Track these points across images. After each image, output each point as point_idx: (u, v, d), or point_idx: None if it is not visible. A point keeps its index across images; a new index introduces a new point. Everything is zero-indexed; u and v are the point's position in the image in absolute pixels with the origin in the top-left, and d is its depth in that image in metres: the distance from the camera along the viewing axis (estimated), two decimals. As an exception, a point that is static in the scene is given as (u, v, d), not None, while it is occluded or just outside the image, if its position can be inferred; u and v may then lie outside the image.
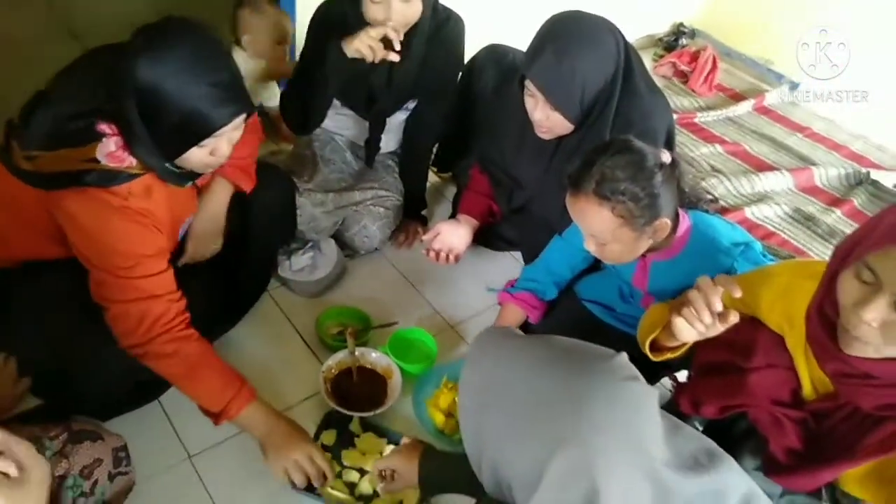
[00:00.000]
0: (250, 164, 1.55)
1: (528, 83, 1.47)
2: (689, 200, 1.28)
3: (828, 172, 2.62)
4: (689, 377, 1.23)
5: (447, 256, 1.78)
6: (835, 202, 2.51)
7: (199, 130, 1.16)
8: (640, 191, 1.16)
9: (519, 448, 0.76)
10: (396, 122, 1.93)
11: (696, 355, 1.19)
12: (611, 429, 0.74)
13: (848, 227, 2.38)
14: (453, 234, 1.79)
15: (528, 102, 1.49)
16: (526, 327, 1.63)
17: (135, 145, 1.17)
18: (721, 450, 0.81)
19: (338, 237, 1.93)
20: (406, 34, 1.60)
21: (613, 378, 0.78)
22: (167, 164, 1.22)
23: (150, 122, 1.14)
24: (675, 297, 1.19)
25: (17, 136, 1.20)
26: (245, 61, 2.09)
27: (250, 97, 1.24)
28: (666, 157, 1.20)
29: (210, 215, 1.48)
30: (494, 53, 1.94)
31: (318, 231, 1.88)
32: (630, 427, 0.75)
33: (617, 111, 1.49)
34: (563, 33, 1.44)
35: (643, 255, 1.31)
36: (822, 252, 2.27)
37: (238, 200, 1.59)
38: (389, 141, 1.97)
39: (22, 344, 1.30)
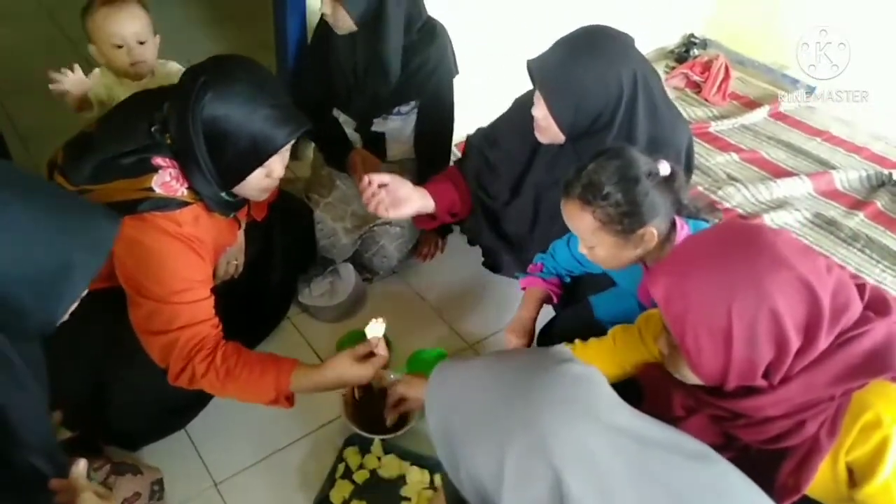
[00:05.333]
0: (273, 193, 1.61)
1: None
2: (689, 212, 1.28)
3: (848, 175, 2.58)
4: None
5: (383, 207, 1.61)
6: (857, 205, 2.46)
7: (264, 150, 1.28)
8: (622, 197, 1.18)
9: (481, 456, 0.76)
10: (396, 130, 1.97)
11: None
12: (554, 407, 0.73)
13: (872, 230, 2.33)
14: (408, 192, 1.64)
15: (535, 95, 1.51)
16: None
17: (194, 177, 1.27)
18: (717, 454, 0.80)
19: (356, 259, 1.97)
20: (371, 49, 1.75)
21: (550, 364, 0.79)
22: (222, 194, 1.32)
23: (216, 152, 1.25)
24: None
25: (65, 173, 1.28)
26: (107, 78, 1.68)
27: (305, 117, 1.34)
28: (664, 168, 1.22)
29: None
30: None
31: (338, 247, 1.91)
32: (575, 401, 0.74)
33: (646, 135, 1.50)
34: (583, 41, 1.47)
35: (646, 267, 1.32)
36: (845, 256, 2.24)
37: (259, 229, 1.64)
38: (402, 149, 2.03)
39: (53, 375, 1.34)
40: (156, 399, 1.40)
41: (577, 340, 1.34)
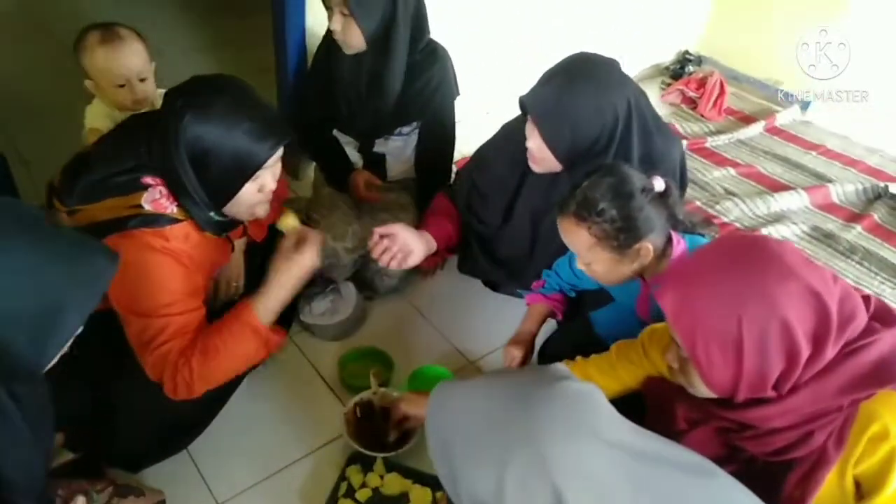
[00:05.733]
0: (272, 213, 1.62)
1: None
2: (685, 227, 1.29)
3: (844, 188, 2.60)
4: None
5: (396, 262, 1.64)
6: (854, 218, 2.48)
7: (249, 166, 1.27)
8: (616, 212, 1.20)
9: (481, 474, 0.77)
10: (397, 150, 1.99)
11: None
12: (554, 424, 0.74)
13: (869, 243, 2.35)
14: (415, 242, 1.67)
15: (527, 128, 1.53)
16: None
17: (183, 197, 1.27)
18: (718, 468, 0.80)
19: (357, 278, 1.98)
20: (377, 67, 1.77)
21: (548, 382, 0.80)
22: (212, 214, 1.32)
23: (202, 172, 1.25)
24: None
25: (60, 195, 1.29)
26: (105, 107, 1.70)
27: (288, 129, 1.34)
28: (658, 184, 1.23)
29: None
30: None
31: (339, 266, 1.92)
32: (574, 418, 0.75)
33: (640, 155, 1.52)
34: (574, 71, 1.48)
35: (644, 281, 1.32)
36: (843, 269, 2.25)
37: (259, 249, 1.65)
38: (402, 168, 2.05)
39: (54, 397, 1.35)
40: (158, 417, 1.39)
41: (578, 357, 1.35)
